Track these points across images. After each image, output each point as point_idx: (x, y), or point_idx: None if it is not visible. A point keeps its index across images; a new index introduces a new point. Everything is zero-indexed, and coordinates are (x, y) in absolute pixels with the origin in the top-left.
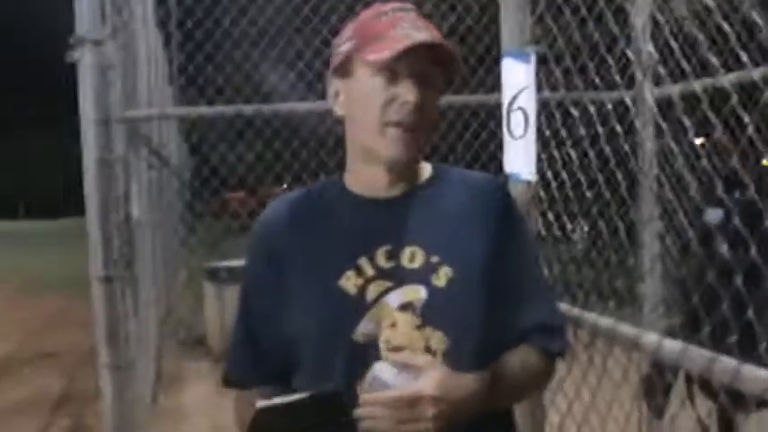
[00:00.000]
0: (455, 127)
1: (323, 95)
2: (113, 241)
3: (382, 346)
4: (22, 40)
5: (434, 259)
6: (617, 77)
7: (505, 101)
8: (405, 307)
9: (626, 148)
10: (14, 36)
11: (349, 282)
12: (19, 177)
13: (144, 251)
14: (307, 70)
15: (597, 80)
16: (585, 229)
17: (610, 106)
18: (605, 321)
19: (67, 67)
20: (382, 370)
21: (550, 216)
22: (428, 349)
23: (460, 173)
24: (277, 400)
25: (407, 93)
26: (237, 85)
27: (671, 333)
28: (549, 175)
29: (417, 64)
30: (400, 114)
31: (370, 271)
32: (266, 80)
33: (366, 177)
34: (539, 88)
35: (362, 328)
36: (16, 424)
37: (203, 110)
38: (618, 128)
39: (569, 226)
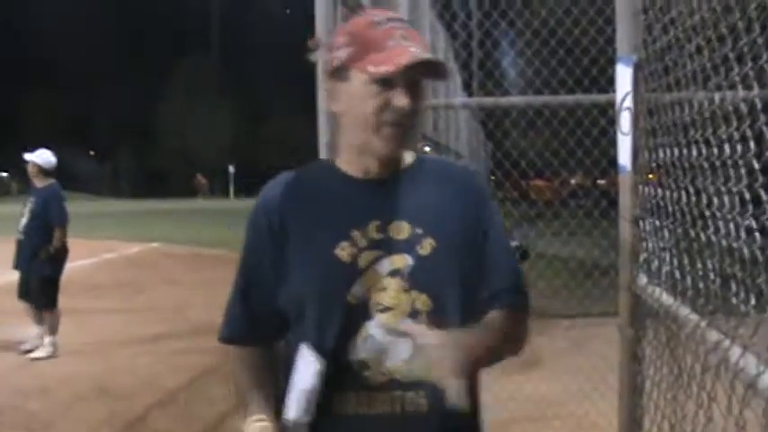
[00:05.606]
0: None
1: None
2: None
3: (373, 307)
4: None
5: (419, 231)
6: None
7: (617, 101)
8: (393, 273)
9: None
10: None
11: (343, 251)
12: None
13: None
14: (590, 65)
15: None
16: None
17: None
18: None
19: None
20: (375, 330)
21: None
22: (414, 310)
23: (437, 160)
24: None
25: (401, 99)
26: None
27: None
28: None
29: (409, 75)
30: (394, 116)
31: (362, 242)
32: (555, 73)
33: (359, 163)
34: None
35: (355, 292)
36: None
37: (487, 101)
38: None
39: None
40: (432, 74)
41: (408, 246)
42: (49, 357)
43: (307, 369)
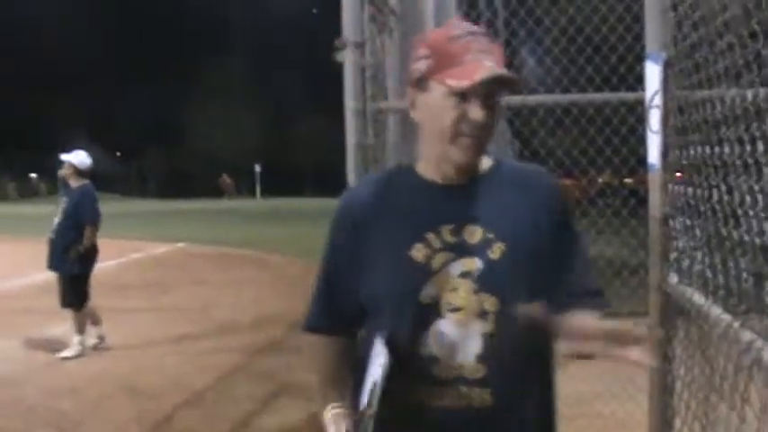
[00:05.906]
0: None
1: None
2: None
3: (444, 306)
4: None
5: (490, 236)
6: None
7: (646, 99)
8: (464, 275)
9: None
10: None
11: (419, 252)
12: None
13: None
14: (618, 63)
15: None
16: None
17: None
18: None
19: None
20: (445, 327)
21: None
22: (483, 311)
23: (514, 165)
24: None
25: (476, 112)
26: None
27: None
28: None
29: (486, 89)
30: (470, 128)
31: (436, 244)
32: (583, 71)
33: (437, 168)
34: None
35: (427, 291)
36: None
37: (514, 99)
38: None
39: None
40: (506, 87)
41: (480, 249)
42: (77, 356)
43: (375, 361)
